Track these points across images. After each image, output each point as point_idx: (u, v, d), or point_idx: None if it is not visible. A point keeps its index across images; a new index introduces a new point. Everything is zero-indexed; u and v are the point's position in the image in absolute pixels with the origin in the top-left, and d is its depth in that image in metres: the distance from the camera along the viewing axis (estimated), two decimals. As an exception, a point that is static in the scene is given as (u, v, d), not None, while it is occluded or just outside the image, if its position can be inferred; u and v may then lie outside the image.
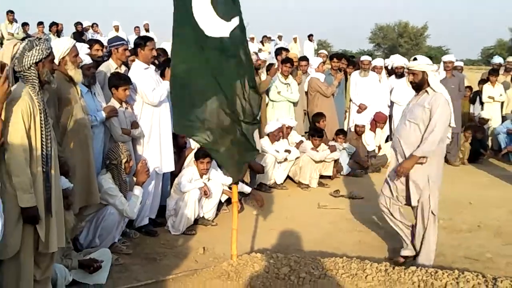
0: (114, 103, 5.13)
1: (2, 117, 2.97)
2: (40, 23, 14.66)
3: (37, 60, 3.14)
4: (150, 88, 5.24)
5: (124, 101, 5.20)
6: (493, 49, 42.97)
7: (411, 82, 4.74)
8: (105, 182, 4.72)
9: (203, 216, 5.76)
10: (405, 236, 4.70)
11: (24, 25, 14.59)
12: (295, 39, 19.77)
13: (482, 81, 10.66)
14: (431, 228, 4.47)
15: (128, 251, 4.91)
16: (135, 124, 5.31)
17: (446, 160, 9.25)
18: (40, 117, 3.13)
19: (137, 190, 4.84)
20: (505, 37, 44.23)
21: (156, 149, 5.46)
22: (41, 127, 3.13)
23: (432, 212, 4.47)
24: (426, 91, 4.51)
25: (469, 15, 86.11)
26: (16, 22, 14.54)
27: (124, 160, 4.80)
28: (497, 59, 11.74)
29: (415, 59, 4.65)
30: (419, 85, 4.56)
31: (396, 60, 9.85)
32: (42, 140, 3.13)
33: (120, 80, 5.15)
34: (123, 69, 5.88)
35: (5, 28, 13.97)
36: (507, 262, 4.77)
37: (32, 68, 3.14)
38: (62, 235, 3.41)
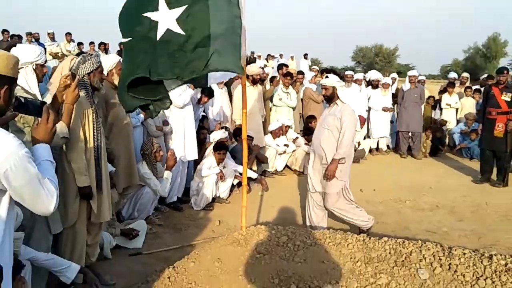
0: (149, 106, 5.13)
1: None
2: (92, 43, 14.66)
3: (89, 71, 3.15)
4: (177, 94, 5.22)
5: (157, 104, 5.20)
6: (450, 66, 42.69)
7: (323, 96, 4.49)
8: (142, 168, 4.73)
9: (219, 196, 5.76)
10: (313, 218, 4.61)
11: (79, 44, 14.59)
12: (292, 57, 19.70)
13: (441, 92, 10.57)
14: (353, 206, 4.49)
15: (160, 222, 4.93)
16: (165, 123, 5.33)
17: (411, 154, 9.26)
18: (92, 116, 3.13)
19: (167, 173, 4.85)
20: (460, 57, 44.08)
21: (181, 142, 5.45)
22: (93, 123, 3.14)
23: (350, 198, 4.49)
24: (336, 103, 4.33)
25: (431, 40, 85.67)
26: (73, 41, 14.55)
27: (154, 150, 4.81)
28: (453, 74, 11.81)
29: (326, 77, 4.43)
30: (330, 97, 4.35)
31: (373, 75, 9.76)
32: (94, 134, 3.14)
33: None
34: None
35: (64, 46, 14.07)
36: (459, 235, 4.75)
37: (85, 77, 3.14)
38: (110, 209, 3.42)
